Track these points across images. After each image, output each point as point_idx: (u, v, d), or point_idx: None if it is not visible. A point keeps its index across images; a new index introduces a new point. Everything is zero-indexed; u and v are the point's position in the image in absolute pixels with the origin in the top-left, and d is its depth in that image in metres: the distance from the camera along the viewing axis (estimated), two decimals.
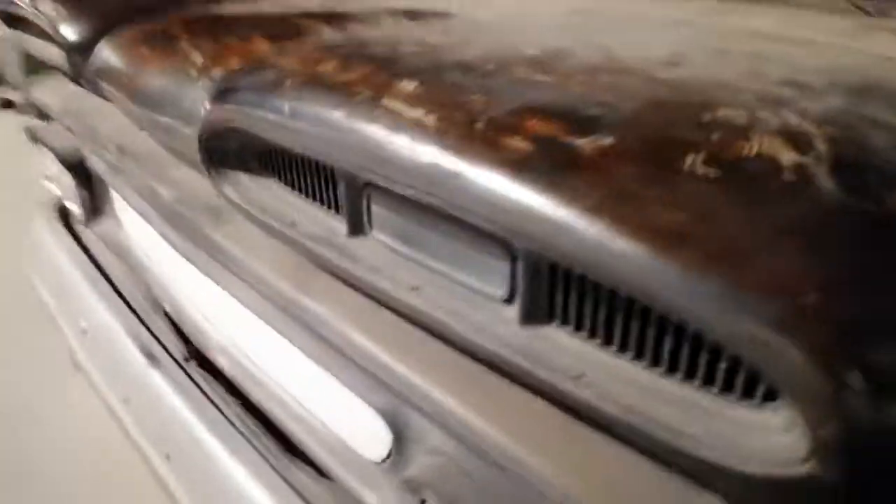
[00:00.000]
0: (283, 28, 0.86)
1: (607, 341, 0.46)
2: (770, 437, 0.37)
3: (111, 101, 0.99)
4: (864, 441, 0.33)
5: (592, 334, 0.46)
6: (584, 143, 0.43)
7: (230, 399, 0.95)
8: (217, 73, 0.76)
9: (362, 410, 0.72)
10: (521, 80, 0.52)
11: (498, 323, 0.50)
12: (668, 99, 0.49)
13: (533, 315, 0.49)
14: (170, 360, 1.02)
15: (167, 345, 1.05)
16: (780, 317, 0.33)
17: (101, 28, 0.99)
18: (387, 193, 0.56)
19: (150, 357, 1.03)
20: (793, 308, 0.33)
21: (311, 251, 0.63)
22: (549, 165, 0.42)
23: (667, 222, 0.37)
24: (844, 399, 0.32)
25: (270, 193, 0.68)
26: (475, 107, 0.48)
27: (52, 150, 1.24)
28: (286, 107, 0.57)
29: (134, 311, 1.13)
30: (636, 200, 0.39)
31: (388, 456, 0.70)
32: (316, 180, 0.64)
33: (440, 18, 0.93)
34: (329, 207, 0.64)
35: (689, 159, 0.41)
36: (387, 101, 0.51)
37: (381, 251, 0.59)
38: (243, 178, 0.70)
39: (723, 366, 0.40)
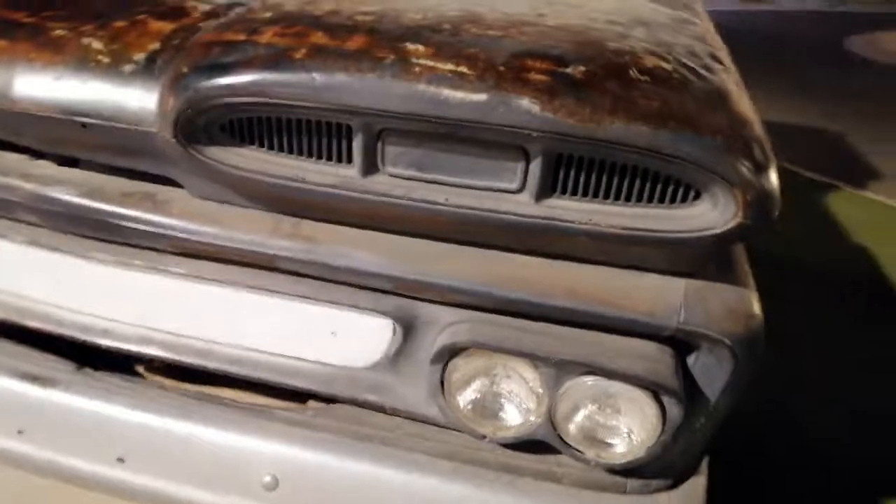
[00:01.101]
0: (158, 7, 0.87)
1: (595, 196, 0.73)
2: (708, 215, 0.70)
3: None
4: None
5: (584, 195, 0.73)
6: (572, 71, 0.69)
7: (166, 381, 0.97)
8: (139, 56, 0.78)
9: (352, 327, 0.87)
10: (485, 36, 0.74)
11: (518, 206, 0.73)
12: (579, 39, 0.76)
13: (543, 194, 0.73)
14: (64, 373, 0.97)
15: (46, 362, 0.98)
16: (724, 145, 0.65)
17: None
18: (401, 133, 0.73)
19: (37, 379, 0.96)
20: (726, 140, 0.65)
21: (327, 197, 0.76)
22: (566, 87, 0.67)
23: (656, 109, 0.65)
24: (753, 177, 0.66)
25: (266, 158, 0.76)
26: (482, 57, 0.69)
27: None
28: (314, 76, 0.69)
29: None
30: (630, 100, 0.66)
31: (387, 354, 0.87)
32: (311, 139, 0.76)
33: None
34: (328, 160, 0.77)
35: (631, 73, 0.70)
36: (418, 60, 0.68)
37: (399, 182, 0.75)
38: (229, 150, 0.76)
39: (669, 190, 0.71)
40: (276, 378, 0.92)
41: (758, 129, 0.70)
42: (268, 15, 0.80)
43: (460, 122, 0.68)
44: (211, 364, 0.93)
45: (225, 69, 0.71)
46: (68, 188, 0.85)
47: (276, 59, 0.70)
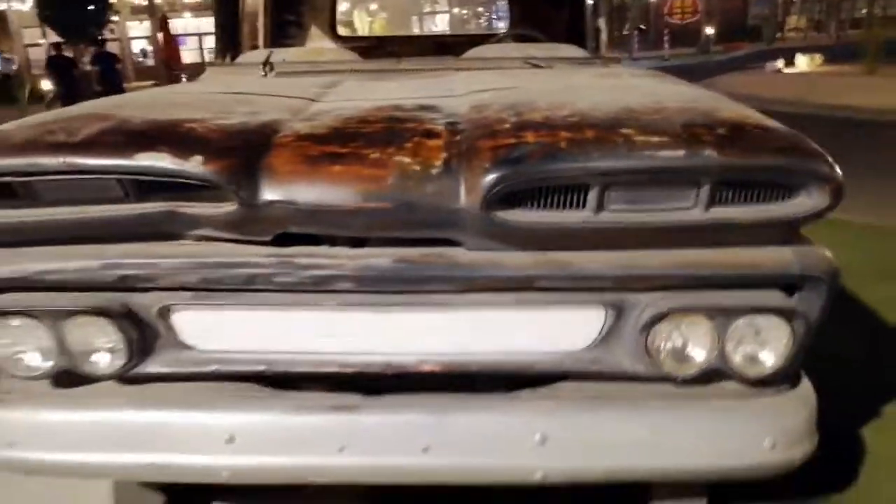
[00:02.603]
0: (416, 133, 1.27)
1: (738, 201, 1.20)
2: (807, 203, 1.19)
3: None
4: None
5: (733, 202, 1.20)
6: (721, 132, 1.17)
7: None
8: (438, 162, 1.18)
9: (574, 319, 1.28)
10: (654, 118, 1.22)
11: (694, 216, 1.19)
12: (700, 112, 1.26)
13: (709, 206, 1.19)
14: (359, 400, 1.30)
15: (342, 397, 1.30)
16: (821, 160, 1.16)
17: (244, 157, 1.18)
18: (621, 182, 1.17)
19: (345, 408, 1.28)
20: (820, 156, 1.16)
21: (573, 232, 1.18)
22: (726, 141, 1.15)
23: (781, 144, 1.16)
24: (835, 176, 1.16)
25: (534, 214, 1.18)
26: (669, 130, 1.17)
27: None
28: (578, 156, 1.13)
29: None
30: (764, 142, 1.16)
31: (598, 335, 1.29)
32: (557, 196, 1.18)
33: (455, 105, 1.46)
34: (568, 207, 1.19)
35: (748, 128, 1.20)
36: (636, 138, 1.15)
37: (618, 215, 1.19)
38: (510, 212, 1.16)
39: (776, 193, 1.20)
40: (524, 370, 1.30)
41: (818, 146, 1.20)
42: (507, 126, 1.23)
43: (669, 170, 1.14)
44: (473, 369, 1.30)
45: (518, 161, 1.14)
46: (387, 258, 1.21)
47: (551, 151, 1.14)
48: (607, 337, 1.29)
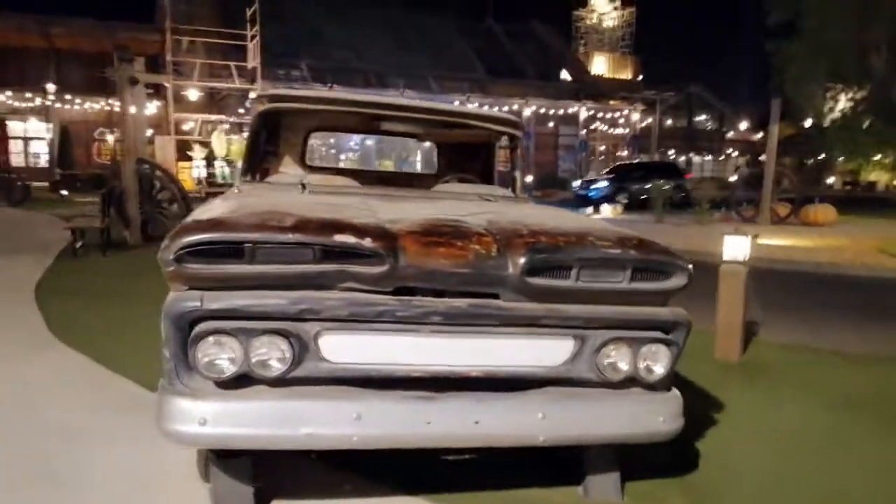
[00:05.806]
0: (470, 236, 2.18)
1: (640, 280, 2.24)
2: (675, 281, 2.26)
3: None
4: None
5: (641, 280, 2.24)
6: (632, 241, 2.23)
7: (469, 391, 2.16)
8: (494, 249, 2.09)
9: (553, 345, 2.21)
10: (589, 234, 2.26)
11: (622, 286, 2.21)
12: (611, 231, 2.32)
13: (631, 281, 2.22)
14: (434, 393, 2.09)
15: (419, 391, 2.09)
16: (681, 257, 2.25)
17: (391, 239, 2.00)
18: (586, 264, 2.16)
19: (426, 397, 2.07)
20: (679, 255, 2.26)
21: (560, 292, 2.15)
22: (637, 245, 2.21)
23: (662, 249, 2.24)
24: (688, 266, 2.26)
25: (551, 281, 2.12)
26: (610, 239, 2.20)
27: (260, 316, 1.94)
28: (577, 250, 2.12)
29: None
30: (655, 247, 2.23)
31: (568, 357, 2.23)
32: (557, 270, 2.15)
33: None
34: (552, 278, 2.16)
35: (641, 239, 2.28)
36: (594, 240, 2.16)
37: (585, 284, 2.17)
38: (535, 279, 2.09)
39: (660, 277, 2.27)
40: (529, 377, 2.18)
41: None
42: (525, 231, 2.19)
43: (612, 259, 2.15)
44: (501, 376, 2.15)
45: (539, 251, 2.09)
46: (462, 303, 2.06)
47: (555, 247, 2.11)
48: (575, 357, 2.23)
